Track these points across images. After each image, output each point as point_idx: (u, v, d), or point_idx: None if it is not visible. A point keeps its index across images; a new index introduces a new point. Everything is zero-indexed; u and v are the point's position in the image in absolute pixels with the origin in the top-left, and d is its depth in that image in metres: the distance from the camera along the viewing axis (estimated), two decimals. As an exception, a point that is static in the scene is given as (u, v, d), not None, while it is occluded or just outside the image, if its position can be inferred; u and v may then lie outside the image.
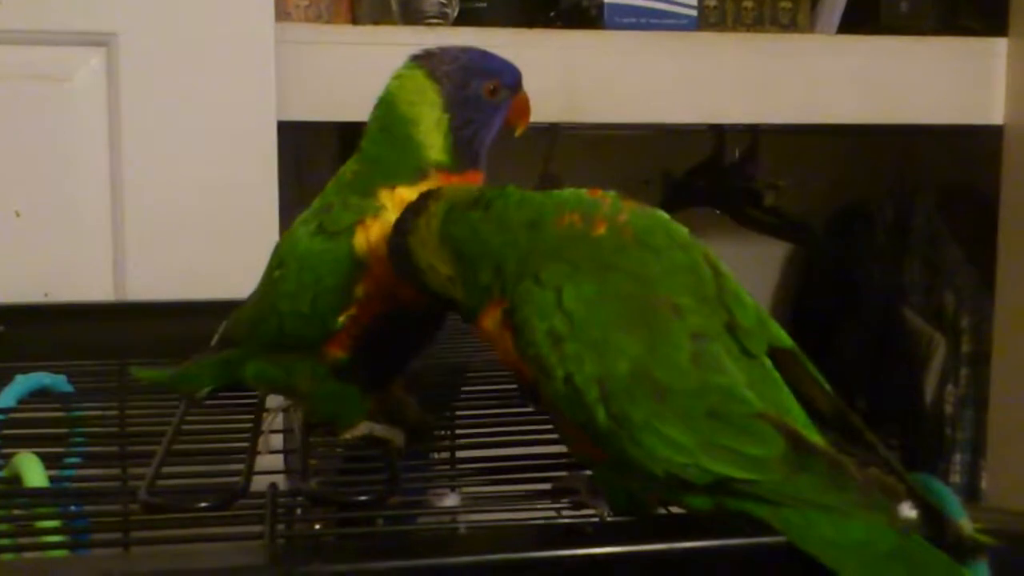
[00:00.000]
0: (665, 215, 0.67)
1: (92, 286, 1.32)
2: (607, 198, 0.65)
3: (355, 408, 0.77)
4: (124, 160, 1.31)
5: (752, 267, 1.92)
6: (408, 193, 0.72)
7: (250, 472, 0.67)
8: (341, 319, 0.73)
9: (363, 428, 0.75)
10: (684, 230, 0.66)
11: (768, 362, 0.62)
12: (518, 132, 0.78)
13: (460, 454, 0.86)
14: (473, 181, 0.75)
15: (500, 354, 0.65)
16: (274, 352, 0.78)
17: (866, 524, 0.56)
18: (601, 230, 0.63)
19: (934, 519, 0.56)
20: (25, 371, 0.91)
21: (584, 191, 0.66)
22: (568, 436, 0.66)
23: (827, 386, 0.62)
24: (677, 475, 0.58)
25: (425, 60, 0.75)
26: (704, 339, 0.60)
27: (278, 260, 0.78)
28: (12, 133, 1.28)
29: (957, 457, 1.69)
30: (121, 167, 1.31)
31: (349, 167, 0.77)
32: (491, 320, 0.65)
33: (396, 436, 0.75)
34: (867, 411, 1.78)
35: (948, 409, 1.70)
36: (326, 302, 0.73)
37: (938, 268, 1.75)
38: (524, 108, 0.77)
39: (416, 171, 0.74)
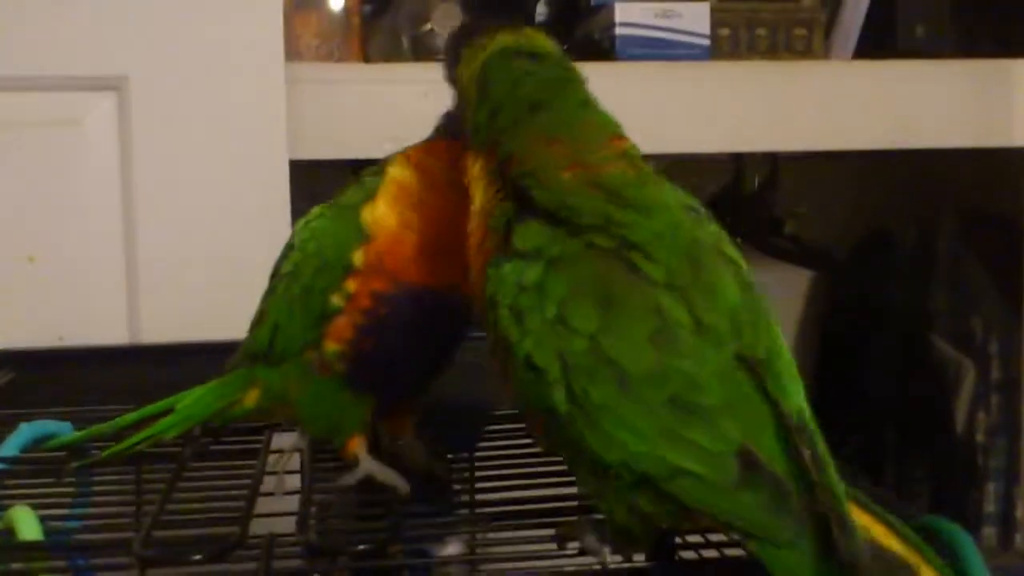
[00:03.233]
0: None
1: (107, 329, 1.31)
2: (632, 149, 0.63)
3: (353, 414, 0.75)
4: (137, 203, 1.31)
5: (775, 295, 1.89)
6: (407, 150, 0.74)
7: (247, 521, 0.66)
8: (336, 300, 0.71)
9: (364, 470, 0.74)
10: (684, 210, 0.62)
11: (740, 371, 0.57)
12: None
13: (477, 497, 0.84)
14: (447, 146, 0.73)
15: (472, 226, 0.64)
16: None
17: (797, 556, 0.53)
18: (611, 169, 0.60)
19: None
20: (37, 417, 0.90)
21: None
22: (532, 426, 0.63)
23: (789, 404, 0.57)
24: (630, 465, 0.55)
25: None
26: (668, 317, 0.56)
27: (285, 248, 0.78)
28: (25, 178, 1.29)
29: (990, 486, 1.64)
30: (134, 210, 1.31)
31: None
32: (474, 163, 0.65)
33: (400, 483, 0.73)
34: (896, 441, 1.74)
35: (980, 437, 1.67)
36: (325, 277, 0.72)
37: (964, 293, 1.72)
38: None
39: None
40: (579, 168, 0.61)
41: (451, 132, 0.73)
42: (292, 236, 0.78)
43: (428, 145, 0.74)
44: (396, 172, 0.72)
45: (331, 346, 0.73)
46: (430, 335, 0.73)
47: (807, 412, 0.58)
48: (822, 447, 0.57)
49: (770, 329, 0.59)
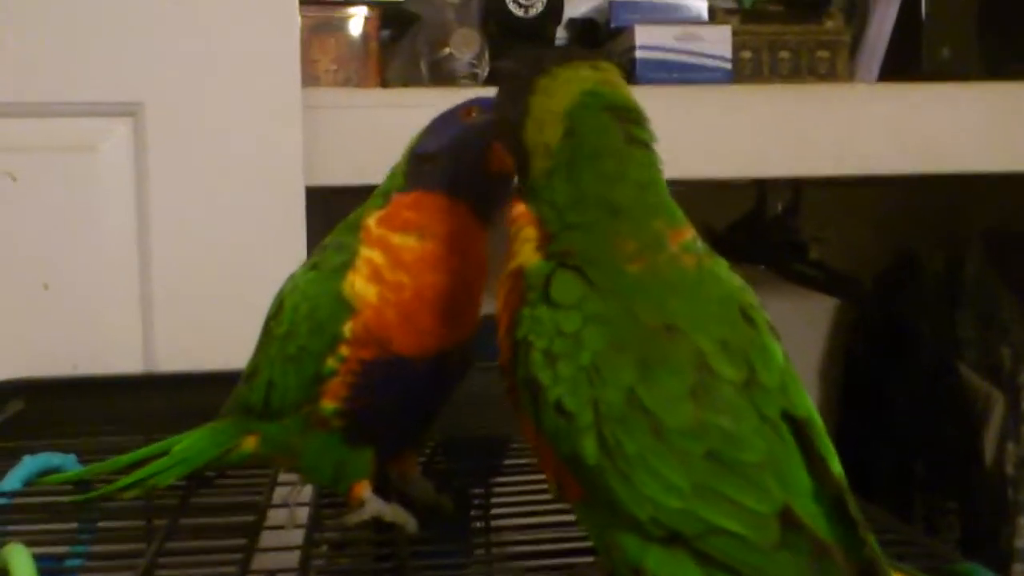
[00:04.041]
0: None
1: (122, 358, 1.30)
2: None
3: (356, 463, 0.74)
4: (152, 230, 1.30)
5: (799, 323, 1.87)
6: (371, 217, 0.72)
7: (248, 561, 0.64)
8: (331, 362, 0.71)
9: (371, 511, 0.72)
10: (734, 278, 0.61)
11: (783, 426, 0.56)
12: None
13: (491, 538, 0.81)
14: (419, 202, 0.72)
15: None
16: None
17: None
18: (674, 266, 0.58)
19: None
20: (48, 448, 0.89)
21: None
22: (545, 465, 0.60)
23: (835, 467, 0.55)
24: (662, 521, 0.53)
25: None
26: (711, 373, 0.55)
27: (275, 307, 0.77)
28: (40, 204, 1.28)
29: (1021, 521, 1.60)
30: (149, 237, 1.30)
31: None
32: (527, 227, 0.61)
33: (408, 522, 0.72)
34: (924, 473, 1.70)
35: (1009, 470, 1.62)
36: (318, 341, 0.71)
37: (993, 321, 1.68)
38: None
39: (383, 195, 0.74)
40: (643, 262, 0.59)
41: (422, 183, 0.72)
42: (282, 295, 0.77)
43: (394, 214, 0.72)
44: (366, 252, 0.72)
45: (328, 404, 0.73)
46: (423, 393, 0.74)
47: (843, 476, 0.56)
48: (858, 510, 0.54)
49: (806, 394, 0.58)
